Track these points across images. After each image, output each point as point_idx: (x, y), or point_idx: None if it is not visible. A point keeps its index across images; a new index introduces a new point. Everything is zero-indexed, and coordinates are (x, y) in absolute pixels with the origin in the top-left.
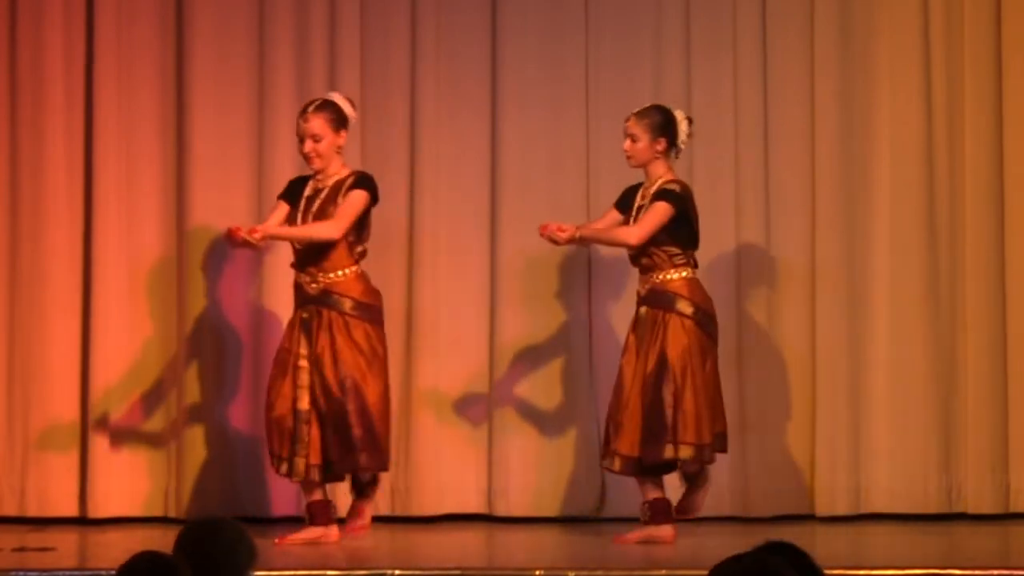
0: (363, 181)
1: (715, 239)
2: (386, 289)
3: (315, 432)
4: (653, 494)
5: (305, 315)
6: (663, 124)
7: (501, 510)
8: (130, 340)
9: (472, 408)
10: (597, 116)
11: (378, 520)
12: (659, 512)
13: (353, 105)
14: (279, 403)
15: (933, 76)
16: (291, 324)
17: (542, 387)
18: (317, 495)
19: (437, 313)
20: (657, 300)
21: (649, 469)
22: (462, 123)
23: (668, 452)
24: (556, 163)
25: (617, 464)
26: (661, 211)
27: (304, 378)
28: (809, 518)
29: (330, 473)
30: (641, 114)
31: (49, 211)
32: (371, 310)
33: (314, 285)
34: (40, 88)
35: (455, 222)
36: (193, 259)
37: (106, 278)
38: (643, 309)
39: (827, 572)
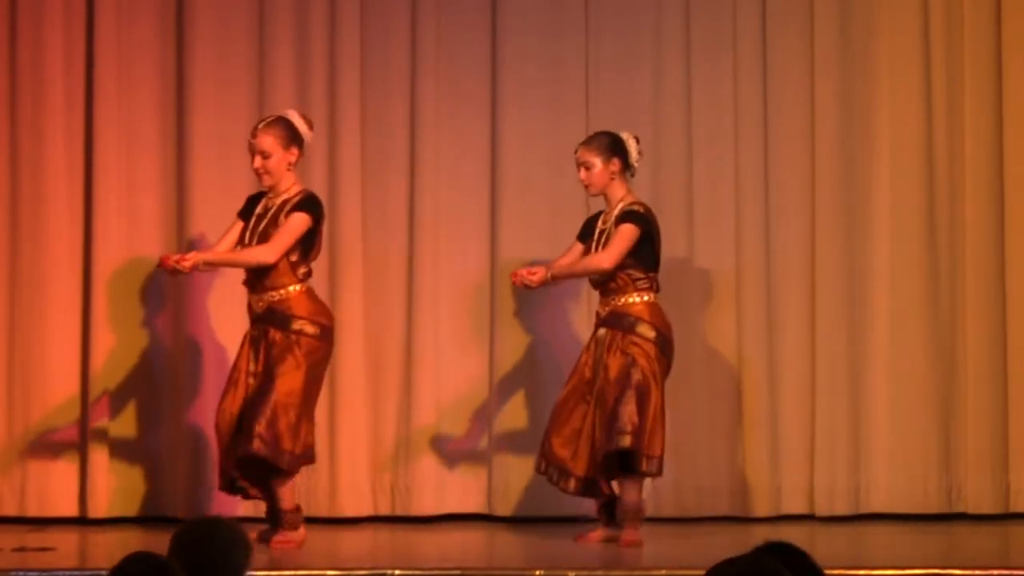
0: (305, 203)
1: (715, 239)
2: (386, 289)
3: None
4: (630, 495)
5: (255, 332)
6: (612, 145)
7: (501, 510)
8: (130, 340)
9: (472, 408)
10: (597, 116)
11: (378, 520)
12: (632, 514)
13: (310, 125)
14: (223, 419)
15: (933, 76)
16: (243, 340)
17: (542, 387)
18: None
19: (437, 313)
20: (618, 322)
21: (608, 468)
22: (462, 123)
23: (625, 441)
24: (556, 163)
25: (572, 486)
26: (629, 233)
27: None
28: (809, 518)
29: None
30: (588, 141)
31: (49, 211)
32: (316, 327)
33: (260, 303)
34: (40, 88)
35: (455, 222)
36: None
37: (106, 278)
38: (602, 331)
39: (827, 572)
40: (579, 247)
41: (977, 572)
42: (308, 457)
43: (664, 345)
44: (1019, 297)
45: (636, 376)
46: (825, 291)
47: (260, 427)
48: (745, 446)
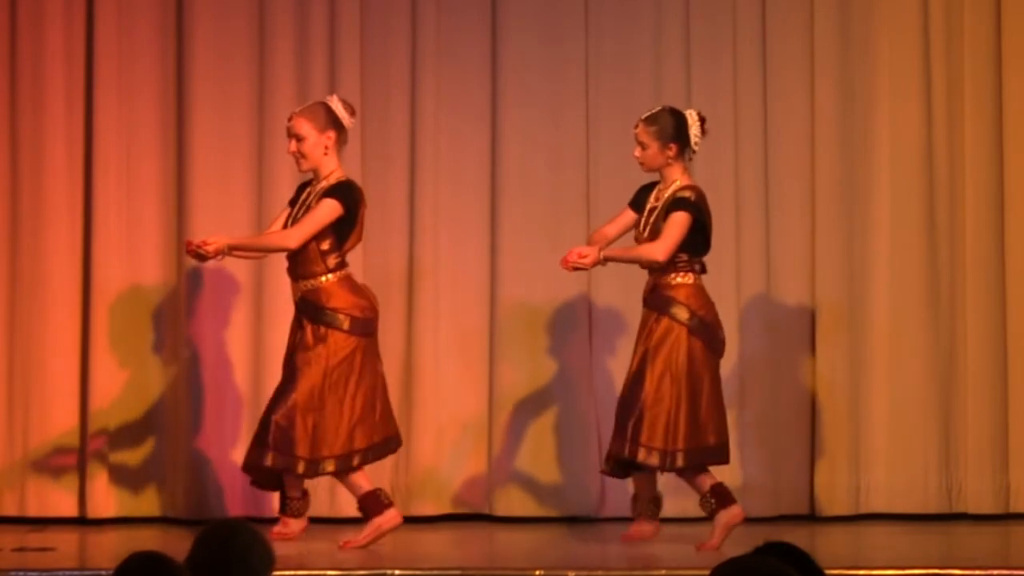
0: (336, 189)
1: (715, 239)
2: (386, 287)
3: None
4: (708, 482)
5: (293, 322)
6: (673, 129)
7: (501, 510)
8: (130, 341)
9: (472, 408)
10: (597, 117)
11: None
12: (721, 497)
13: (351, 111)
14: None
15: (933, 76)
16: (290, 331)
17: (543, 386)
18: (291, 492)
19: (437, 312)
20: (655, 301)
21: (620, 466)
22: (462, 123)
23: (628, 451)
24: (556, 163)
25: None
26: (682, 222)
27: None
28: (809, 518)
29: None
30: (650, 120)
31: (49, 211)
32: (348, 319)
33: (296, 293)
34: (40, 88)
35: (455, 222)
36: (193, 260)
37: (106, 278)
38: (644, 310)
39: (827, 572)
40: (628, 215)
41: (977, 572)
42: (345, 462)
43: (700, 328)
44: (1019, 297)
45: (653, 374)
46: (825, 291)
47: (272, 435)
48: (745, 446)
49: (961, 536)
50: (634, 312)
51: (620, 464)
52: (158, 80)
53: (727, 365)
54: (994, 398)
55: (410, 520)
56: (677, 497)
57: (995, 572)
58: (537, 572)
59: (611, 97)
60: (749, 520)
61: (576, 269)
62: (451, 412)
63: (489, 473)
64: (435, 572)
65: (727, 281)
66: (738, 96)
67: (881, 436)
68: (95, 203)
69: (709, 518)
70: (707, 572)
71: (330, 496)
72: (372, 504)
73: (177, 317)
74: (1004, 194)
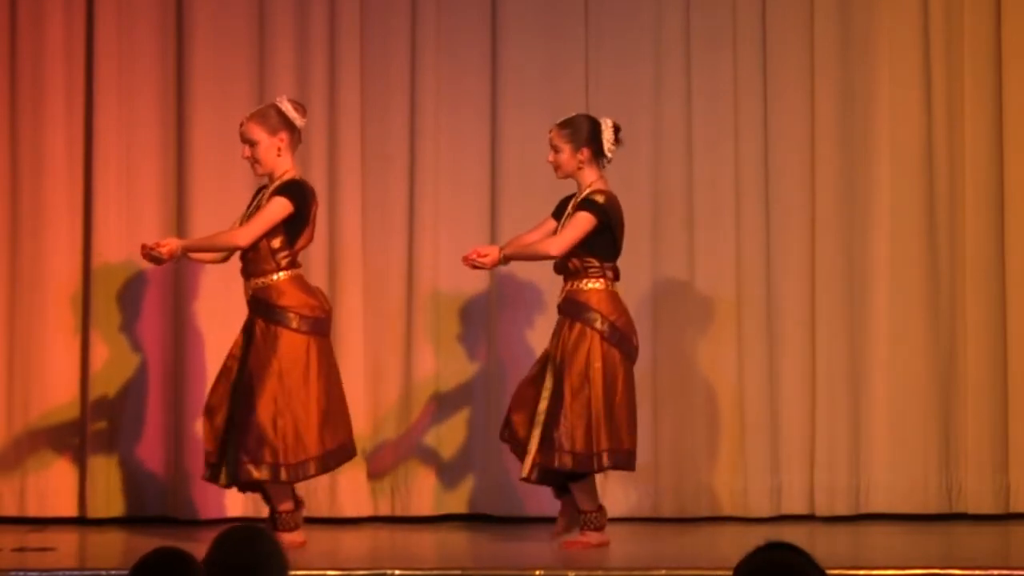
0: (285, 188)
1: (715, 239)
2: (387, 288)
3: None
4: (583, 504)
5: (246, 321)
6: (586, 134)
7: (501, 510)
8: (130, 339)
9: (472, 408)
10: (597, 116)
11: (378, 520)
12: (588, 521)
13: (302, 112)
14: (214, 408)
15: (933, 76)
16: (241, 329)
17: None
18: (281, 505)
19: (438, 312)
20: (569, 308)
21: (549, 476)
22: (462, 123)
23: (556, 460)
24: None
25: (533, 474)
26: (582, 221)
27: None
28: (809, 518)
29: (226, 479)
30: (563, 124)
31: (49, 211)
32: (298, 318)
33: (248, 291)
34: (40, 88)
35: (455, 222)
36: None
37: (106, 278)
38: (559, 317)
39: (827, 572)
40: (550, 224)
41: (977, 572)
42: (326, 462)
43: (613, 335)
44: (1019, 297)
45: (570, 381)
46: (825, 291)
47: (249, 447)
48: (745, 446)
49: (961, 536)
50: (635, 313)
51: (551, 474)
52: (158, 80)
53: (727, 365)
54: (994, 398)
55: (410, 520)
56: (676, 497)
57: (995, 572)
58: (537, 572)
59: (611, 97)
60: (749, 520)
61: (476, 267)
62: (451, 413)
63: (490, 472)
64: (435, 572)
65: (727, 281)
66: (738, 96)
67: (881, 436)
68: (95, 203)
69: (575, 527)
70: (706, 572)
71: (330, 496)
72: (287, 521)
73: (178, 316)
74: (1004, 194)
